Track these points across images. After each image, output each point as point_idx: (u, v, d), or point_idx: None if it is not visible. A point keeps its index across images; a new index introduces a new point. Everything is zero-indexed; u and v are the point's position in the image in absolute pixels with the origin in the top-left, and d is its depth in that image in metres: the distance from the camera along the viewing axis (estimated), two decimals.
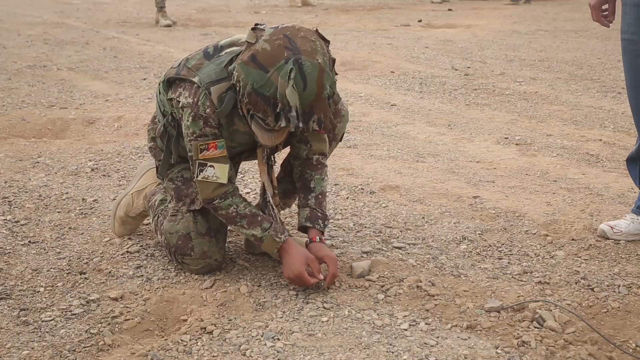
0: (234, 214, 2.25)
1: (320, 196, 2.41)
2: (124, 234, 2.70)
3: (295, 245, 2.27)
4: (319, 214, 2.38)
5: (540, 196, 3.17)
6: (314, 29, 2.14)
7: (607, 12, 2.60)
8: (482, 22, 9.55)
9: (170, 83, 2.28)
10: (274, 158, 2.45)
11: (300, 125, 2.04)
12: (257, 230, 2.25)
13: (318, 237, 2.35)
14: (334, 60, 2.11)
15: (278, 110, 2.03)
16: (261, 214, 2.29)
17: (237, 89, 2.11)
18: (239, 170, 3.27)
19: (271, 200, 2.37)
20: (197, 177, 2.23)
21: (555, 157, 3.78)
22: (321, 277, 2.26)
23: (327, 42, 2.12)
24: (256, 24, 2.13)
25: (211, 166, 2.20)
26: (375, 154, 3.83)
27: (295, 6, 11.67)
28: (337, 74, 2.13)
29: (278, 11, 11.16)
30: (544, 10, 10.99)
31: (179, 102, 2.20)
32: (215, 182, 2.22)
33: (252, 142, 2.31)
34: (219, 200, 2.24)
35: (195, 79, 2.17)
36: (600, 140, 4.09)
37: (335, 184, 3.31)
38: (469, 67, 6.29)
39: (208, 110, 2.15)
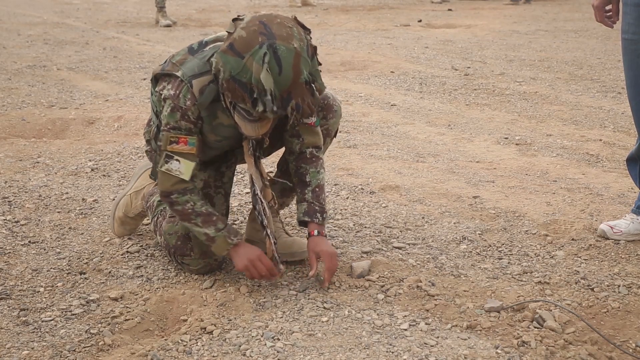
0: (189, 210, 2.22)
1: (317, 189, 2.39)
2: (124, 234, 2.70)
3: (245, 244, 2.26)
4: (317, 207, 2.36)
5: (540, 196, 3.17)
6: (292, 16, 2.13)
7: (610, 13, 2.59)
8: (482, 22, 9.55)
9: (157, 80, 2.30)
10: (261, 151, 2.42)
11: (275, 109, 2.02)
12: (210, 229, 2.22)
13: (316, 231, 2.34)
14: (314, 48, 2.09)
15: (255, 95, 2.02)
16: (217, 214, 2.26)
17: (218, 79, 2.11)
18: (237, 170, 3.28)
19: (259, 194, 2.35)
20: (160, 167, 2.22)
21: (555, 157, 3.78)
22: (278, 270, 2.26)
23: (307, 30, 2.11)
24: (238, 16, 2.14)
25: (177, 160, 2.20)
26: (375, 154, 3.84)
27: (295, 6, 11.67)
28: (320, 64, 2.11)
29: (278, 11, 11.11)
30: (544, 10, 10.99)
31: (161, 94, 2.21)
32: (177, 177, 2.21)
33: (237, 135, 2.29)
34: (177, 195, 2.22)
35: (179, 73, 2.18)
36: (600, 140, 4.09)
37: (335, 184, 3.31)
38: (469, 67, 6.30)
39: (188, 103, 2.16)
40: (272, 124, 2.20)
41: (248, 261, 2.22)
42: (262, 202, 2.34)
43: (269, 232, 2.33)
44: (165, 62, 2.28)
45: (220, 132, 2.28)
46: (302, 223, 2.38)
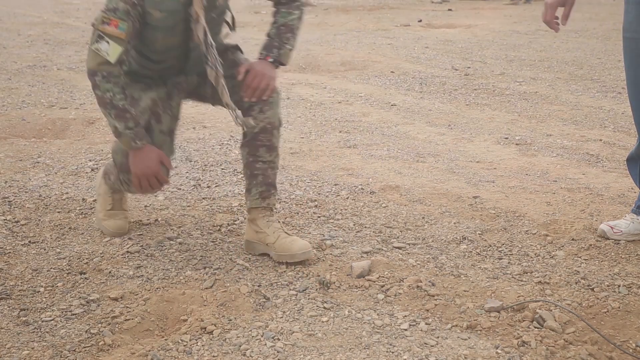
0: (107, 100, 2.30)
1: (282, 27, 2.45)
2: (119, 228, 2.69)
3: (149, 150, 2.34)
4: (275, 43, 2.43)
5: (540, 196, 3.17)
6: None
7: (557, 16, 2.53)
8: (482, 22, 9.55)
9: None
10: (214, 9, 2.41)
11: None
12: (120, 124, 2.31)
13: (264, 56, 2.41)
14: None
15: None
16: (133, 113, 2.32)
17: None
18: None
19: (210, 40, 2.37)
20: (91, 44, 2.29)
21: (555, 157, 3.78)
22: (168, 177, 2.39)
23: None
24: None
25: (107, 41, 2.26)
26: (376, 154, 3.84)
27: None
28: None
29: None
30: None
31: None
32: (103, 58, 2.27)
33: (181, 9, 2.31)
34: (101, 78, 2.28)
35: None
36: (600, 140, 4.09)
37: (335, 184, 3.31)
38: (469, 67, 6.30)
39: None
40: None
41: (142, 174, 2.33)
42: (212, 47, 2.37)
43: (223, 82, 2.38)
44: None
45: (164, 7, 2.31)
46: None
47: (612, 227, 2.68)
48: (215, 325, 2.06)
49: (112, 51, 2.26)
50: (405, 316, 2.13)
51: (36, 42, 7.72)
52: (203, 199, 3.11)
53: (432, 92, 5.39)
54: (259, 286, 2.31)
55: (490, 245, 2.64)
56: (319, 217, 2.91)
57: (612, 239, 2.67)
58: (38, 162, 3.60)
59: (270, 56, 2.42)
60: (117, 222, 2.71)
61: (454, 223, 2.86)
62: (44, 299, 2.25)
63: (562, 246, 2.64)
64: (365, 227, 2.81)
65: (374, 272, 2.40)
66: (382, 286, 2.31)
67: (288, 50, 2.46)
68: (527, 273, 2.42)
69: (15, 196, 3.11)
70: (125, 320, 2.12)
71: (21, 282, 2.35)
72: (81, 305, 2.21)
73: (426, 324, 2.09)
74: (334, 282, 2.32)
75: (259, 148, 2.50)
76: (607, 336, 2.01)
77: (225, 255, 2.54)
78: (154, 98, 2.47)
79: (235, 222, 2.85)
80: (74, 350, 1.97)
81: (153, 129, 2.44)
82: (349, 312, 2.15)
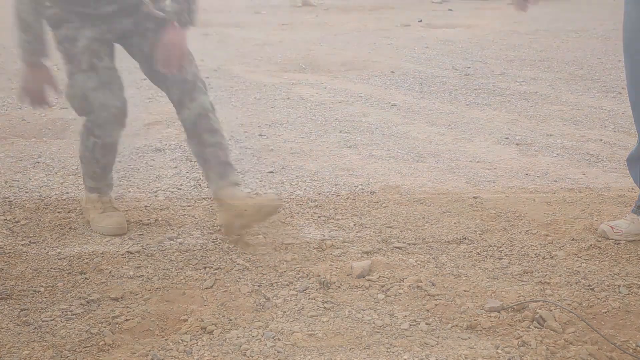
0: (21, 15, 2.44)
1: None
2: (117, 222, 2.70)
3: (42, 69, 2.49)
4: (182, 6, 2.49)
5: (540, 196, 3.17)
6: None
7: None
8: (482, 22, 9.55)
9: None
10: None
11: None
12: (22, 36, 2.47)
13: (175, 24, 2.48)
14: None
15: None
16: (37, 32, 2.46)
17: None
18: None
19: None
20: None
21: (556, 157, 3.78)
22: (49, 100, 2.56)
23: None
24: None
25: None
26: (376, 154, 3.84)
27: (295, 6, 11.68)
28: None
29: (278, 11, 11.16)
30: (544, 11, 10.99)
31: None
32: None
33: None
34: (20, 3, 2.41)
35: None
36: (601, 140, 4.09)
37: (336, 184, 3.31)
38: (469, 67, 6.30)
39: None
40: None
41: (27, 90, 2.51)
42: None
43: None
44: None
45: None
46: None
47: (612, 227, 2.68)
48: (215, 325, 2.06)
49: None
50: (406, 316, 2.13)
51: None
52: (203, 198, 3.12)
53: (432, 92, 5.39)
54: (259, 286, 2.31)
55: (491, 245, 2.64)
56: (319, 217, 2.91)
57: (613, 239, 2.67)
58: (38, 162, 3.60)
59: (180, 22, 2.49)
60: (115, 219, 2.71)
61: (454, 223, 2.86)
62: (44, 299, 2.25)
63: (562, 246, 2.64)
64: (366, 227, 2.81)
65: (374, 272, 2.40)
66: (382, 286, 2.31)
67: (194, 10, 2.53)
68: (527, 273, 2.42)
69: (16, 196, 3.12)
70: (126, 320, 2.12)
71: (21, 282, 2.35)
72: (81, 305, 2.21)
73: (426, 324, 2.09)
74: (334, 282, 2.32)
75: (202, 134, 2.58)
76: (607, 336, 2.01)
77: (225, 255, 2.54)
78: (89, 37, 2.53)
79: None
80: (74, 350, 1.97)
81: (97, 66, 2.52)
82: (349, 312, 2.15)
